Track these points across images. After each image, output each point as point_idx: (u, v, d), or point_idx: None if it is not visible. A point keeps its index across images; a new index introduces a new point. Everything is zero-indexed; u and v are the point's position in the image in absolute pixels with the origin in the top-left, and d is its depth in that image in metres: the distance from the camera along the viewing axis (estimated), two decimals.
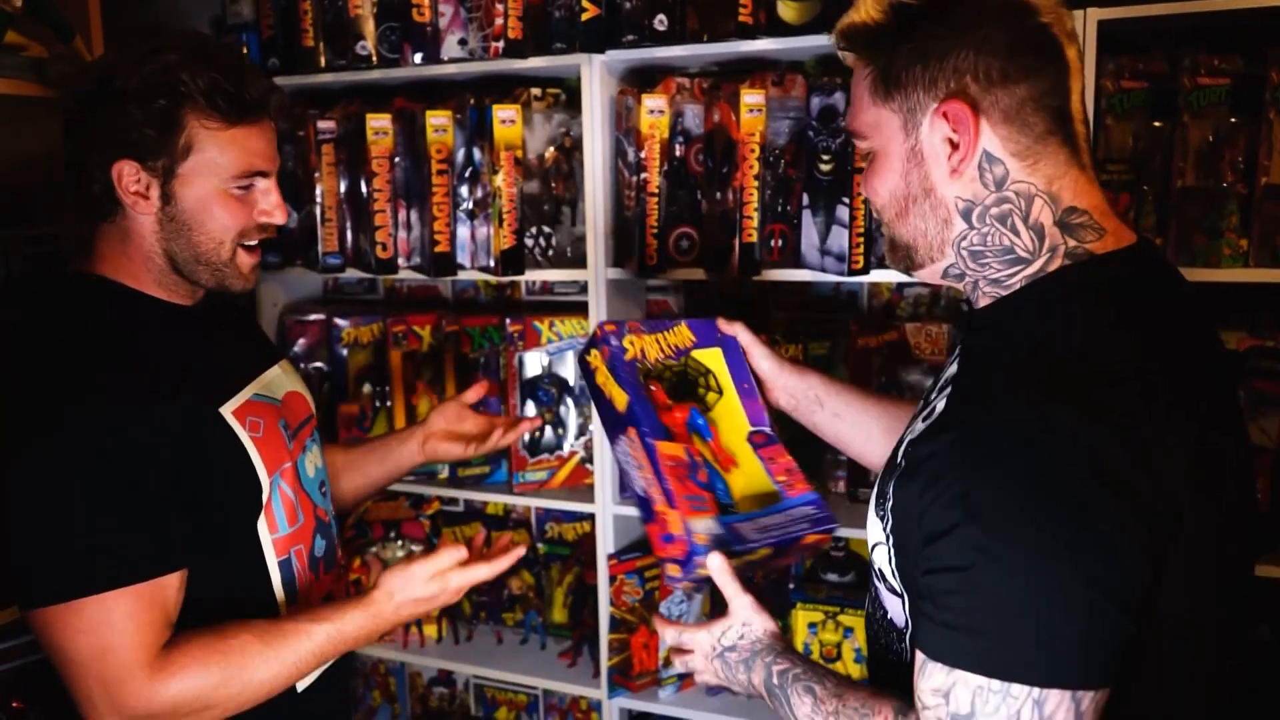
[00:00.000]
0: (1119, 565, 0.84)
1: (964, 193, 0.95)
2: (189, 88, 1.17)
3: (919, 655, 0.91)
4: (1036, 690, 0.83)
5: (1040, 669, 0.83)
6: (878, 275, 1.79)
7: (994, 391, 0.91)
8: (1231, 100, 1.61)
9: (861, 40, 0.98)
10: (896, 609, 1.03)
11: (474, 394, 1.65)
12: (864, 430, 1.36)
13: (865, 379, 1.95)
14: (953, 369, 1.00)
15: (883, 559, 1.01)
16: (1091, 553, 0.83)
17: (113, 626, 1.11)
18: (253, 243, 1.28)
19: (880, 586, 1.06)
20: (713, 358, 1.38)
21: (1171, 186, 1.65)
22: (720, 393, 1.37)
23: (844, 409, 1.36)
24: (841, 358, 2.00)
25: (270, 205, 1.26)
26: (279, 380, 1.39)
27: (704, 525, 1.17)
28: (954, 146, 0.93)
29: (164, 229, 1.22)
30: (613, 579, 2.00)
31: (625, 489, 2.01)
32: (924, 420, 0.98)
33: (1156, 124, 1.66)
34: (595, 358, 1.29)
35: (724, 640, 1.13)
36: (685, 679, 2.05)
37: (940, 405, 0.96)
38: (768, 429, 1.41)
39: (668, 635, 1.18)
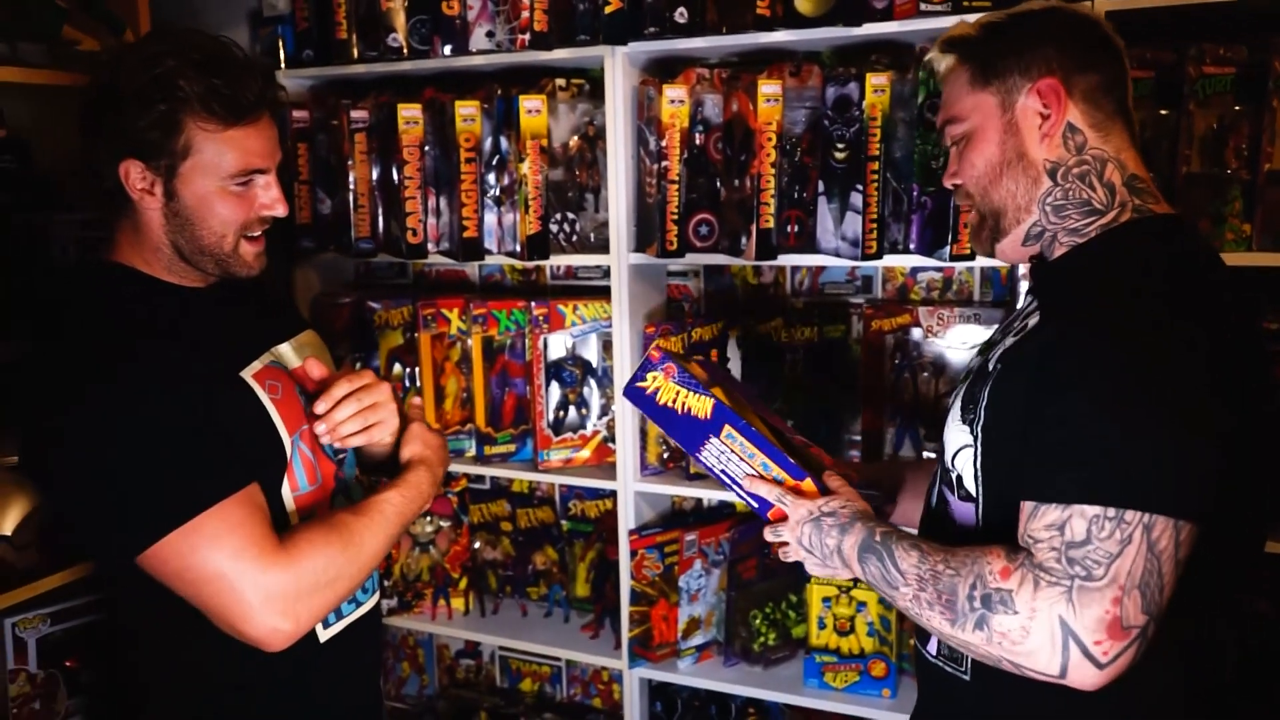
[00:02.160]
0: (1212, 417, 1.01)
1: (1051, 155, 1.16)
2: (186, 92, 1.23)
3: (1027, 505, 1.04)
4: (1146, 516, 0.98)
5: (1150, 496, 0.98)
6: (890, 260, 1.84)
7: (1087, 302, 1.08)
8: (1236, 88, 1.65)
9: (961, 47, 1.21)
10: (967, 516, 1.18)
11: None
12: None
13: (879, 361, 2.01)
14: (1032, 305, 1.18)
15: (965, 462, 1.16)
16: (1191, 403, 1.00)
17: (235, 529, 1.19)
18: (255, 233, 1.34)
19: (952, 499, 1.20)
20: (723, 391, 1.42)
21: (1177, 173, 1.69)
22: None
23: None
24: (856, 340, 2.05)
25: (270, 199, 1.32)
26: (299, 351, 1.44)
27: (835, 480, 1.27)
28: (1044, 118, 1.15)
29: (170, 223, 1.29)
30: (634, 554, 2.07)
31: (646, 466, 2.08)
32: (1015, 335, 1.16)
33: (1163, 112, 1.70)
34: (655, 380, 1.31)
35: (825, 508, 1.23)
36: (703, 650, 2.12)
37: (1032, 322, 1.14)
38: (799, 439, 1.47)
39: (772, 494, 1.27)
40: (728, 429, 1.28)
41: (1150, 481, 0.98)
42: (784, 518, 1.26)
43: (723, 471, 1.30)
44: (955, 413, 1.20)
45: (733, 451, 1.28)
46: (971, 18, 1.26)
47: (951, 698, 1.21)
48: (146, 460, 1.18)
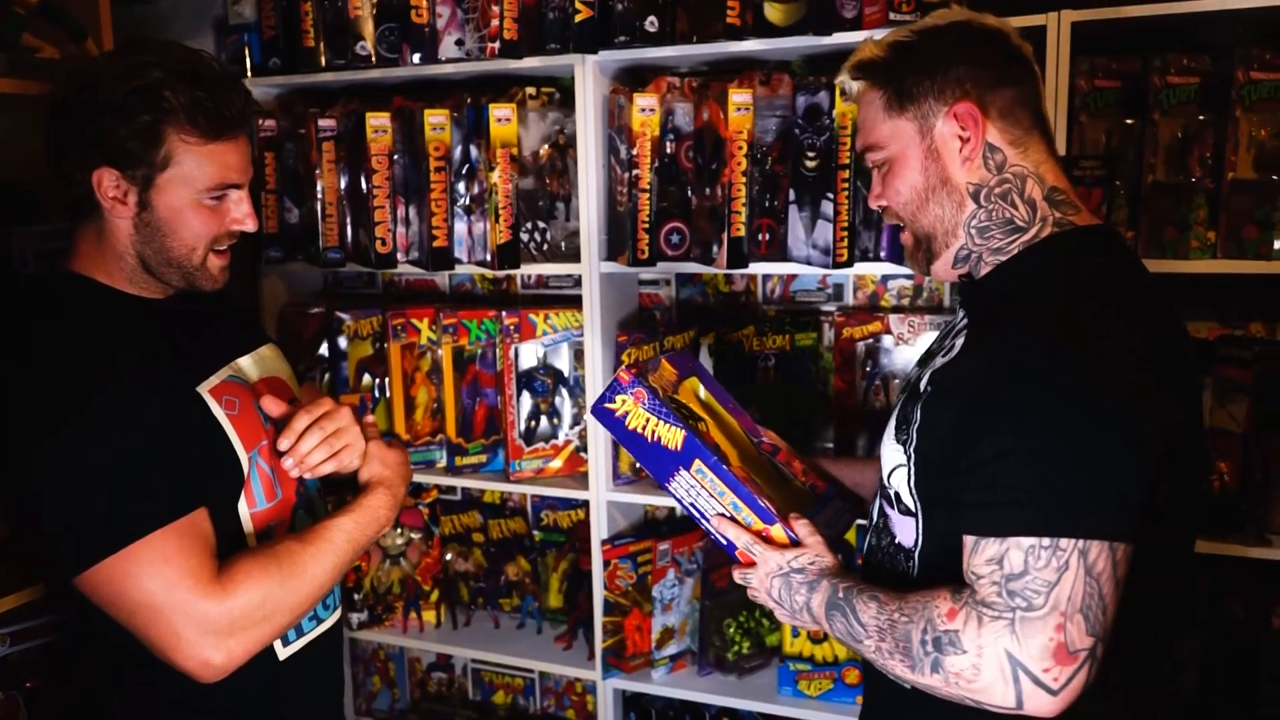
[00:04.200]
0: (1139, 436, 1.01)
1: (973, 178, 1.15)
2: (171, 104, 1.22)
3: (968, 540, 1.05)
4: (1081, 542, 0.98)
5: (1083, 523, 0.99)
6: (861, 268, 1.85)
7: (1013, 324, 1.08)
8: (1200, 98, 1.68)
9: (871, 71, 1.19)
10: (907, 530, 1.18)
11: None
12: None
13: (851, 368, 2.01)
14: (963, 321, 1.19)
15: (900, 481, 1.16)
16: (1118, 426, 1.00)
17: (171, 559, 1.17)
18: (223, 247, 1.34)
19: (892, 514, 1.20)
20: (693, 386, 1.43)
21: (1143, 181, 1.71)
22: (706, 422, 1.40)
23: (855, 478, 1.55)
24: (828, 347, 2.06)
25: (241, 214, 1.32)
26: (259, 364, 1.43)
27: (803, 529, 1.26)
28: (963, 141, 1.14)
29: (139, 233, 1.28)
30: (606, 564, 2.06)
31: (619, 476, 2.07)
32: (944, 356, 1.15)
33: (1128, 121, 1.72)
34: (624, 404, 1.29)
35: (794, 563, 1.24)
36: (677, 660, 2.11)
37: (959, 343, 1.14)
38: (766, 438, 1.47)
39: (741, 540, 1.27)
40: (698, 464, 1.26)
41: (1081, 508, 1.00)
42: (753, 563, 1.26)
43: (691, 505, 1.29)
44: (890, 430, 1.20)
45: (702, 487, 1.27)
46: (881, 34, 1.23)
47: (893, 701, 1.22)
48: (89, 485, 1.17)
